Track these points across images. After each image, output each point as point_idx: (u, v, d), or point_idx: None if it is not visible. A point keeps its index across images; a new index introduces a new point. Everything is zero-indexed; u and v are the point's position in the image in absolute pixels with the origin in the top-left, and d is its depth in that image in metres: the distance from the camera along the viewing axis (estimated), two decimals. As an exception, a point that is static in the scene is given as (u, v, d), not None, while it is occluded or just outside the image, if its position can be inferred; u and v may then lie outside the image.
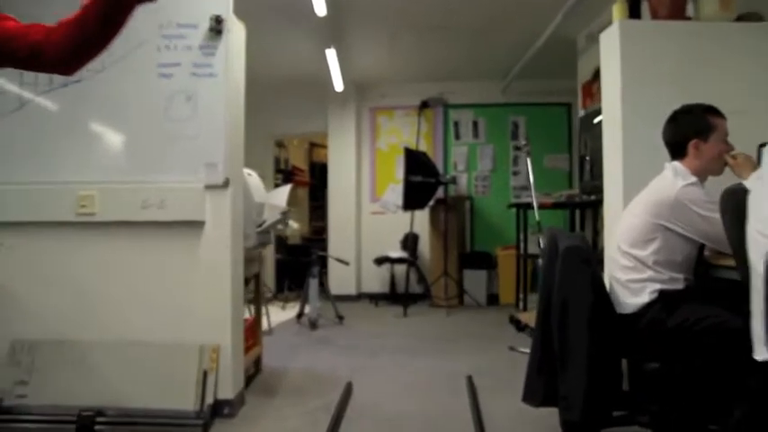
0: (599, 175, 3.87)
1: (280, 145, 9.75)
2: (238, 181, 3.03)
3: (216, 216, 2.86)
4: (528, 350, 4.45)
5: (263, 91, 7.93)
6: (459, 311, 6.56)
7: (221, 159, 2.86)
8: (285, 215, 3.41)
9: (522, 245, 5.57)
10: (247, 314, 3.83)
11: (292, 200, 10.61)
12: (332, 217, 7.73)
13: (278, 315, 6.37)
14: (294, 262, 7.34)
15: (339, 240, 7.62)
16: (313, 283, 5.64)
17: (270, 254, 8.14)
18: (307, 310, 5.73)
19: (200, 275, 2.85)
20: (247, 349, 3.61)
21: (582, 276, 2.26)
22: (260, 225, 3.38)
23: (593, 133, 3.94)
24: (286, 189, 6.41)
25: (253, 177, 3.59)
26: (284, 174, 9.76)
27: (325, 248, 7.54)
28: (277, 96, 8.00)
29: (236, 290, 2.95)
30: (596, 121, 3.84)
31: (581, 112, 4.03)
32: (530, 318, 4.97)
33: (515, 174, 7.54)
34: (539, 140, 7.48)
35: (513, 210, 6.65)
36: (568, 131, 7.45)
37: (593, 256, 2.31)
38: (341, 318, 5.82)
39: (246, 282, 3.95)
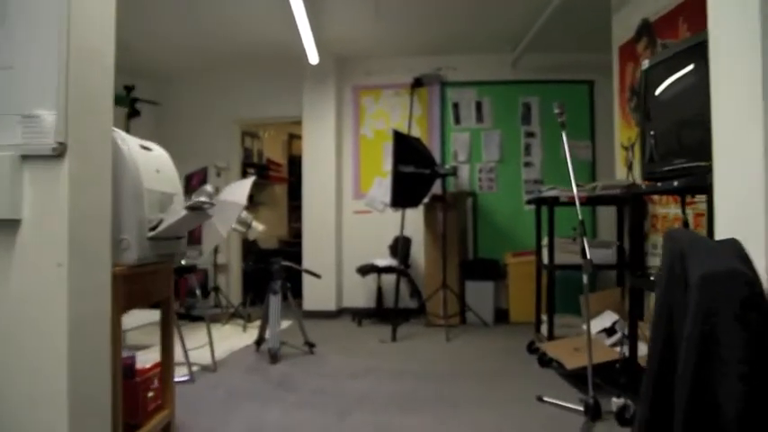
0: (670, 155, 2.62)
1: (253, 136, 8.51)
2: (96, 149, 1.76)
3: (42, 210, 1.59)
4: (567, 404, 3.19)
5: (224, 66, 6.68)
6: (461, 333, 5.30)
7: (53, 107, 1.58)
8: (197, 210, 2.14)
9: (544, 252, 4.31)
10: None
11: (269, 198, 9.41)
12: (307, 217, 6.45)
13: (238, 339, 5.11)
14: (260, 271, 6.06)
15: (316, 245, 6.35)
16: (274, 302, 4.36)
17: (235, 261, 6.89)
18: (268, 334, 4.45)
19: (11, 317, 1.57)
20: (147, 416, 2.34)
21: (741, 327, 1.01)
22: (154, 228, 2.10)
23: (664, 96, 2.67)
24: (247, 183, 5.15)
25: (154, 153, 2.31)
26: (258, 168, 8.53)
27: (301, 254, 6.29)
28: (241, 73, 6.77)
29: (85, 339, 1.67)
30: (674, 79, 2.59)
31: (644, 64, 2.76)
32: (558, 350, 3.70)
33: (528, 165, 6.27)
34: (555, 125, 6.25)
35: (528, 208, 5.42)
36: (590, 114, 6.21)
37: (761, 288, 1.05)
38: (311, 346, 4.53)
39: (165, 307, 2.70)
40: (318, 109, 6.38)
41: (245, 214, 4.88)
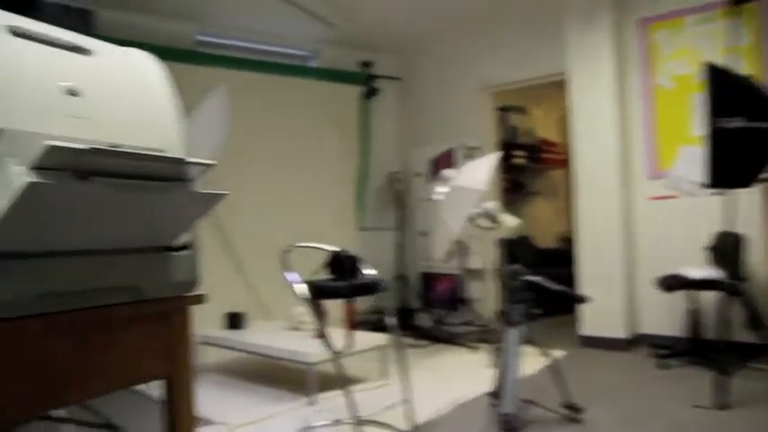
0: None
1: (519, 111, 7.09)
2: None
3: None
4: None
5: (467, 24, 5.38)
6: None
7: None
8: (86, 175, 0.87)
9: None
10: None
11: (546, 187, 7.77)
12: (581, 207, 4.73)
13: (475, 381, 3.70)
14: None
15: (593, 248, 4.60)
16: (513, 341, 2.87)
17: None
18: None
19: None
20: None
21: None
22: None
23: None
24: (486, 162, 3.86)
25: (90, 60, 1.10)
26: (528, 149, 7.14)
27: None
28: (486, 29, 5.41)
29: None
30: None
31: None
32: None
33: None
34: None
35: None
36: None
37: None
38: (575, 410, 2.91)
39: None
40: (588, 58, 4.62)
41: (489, 204, 3.60)
